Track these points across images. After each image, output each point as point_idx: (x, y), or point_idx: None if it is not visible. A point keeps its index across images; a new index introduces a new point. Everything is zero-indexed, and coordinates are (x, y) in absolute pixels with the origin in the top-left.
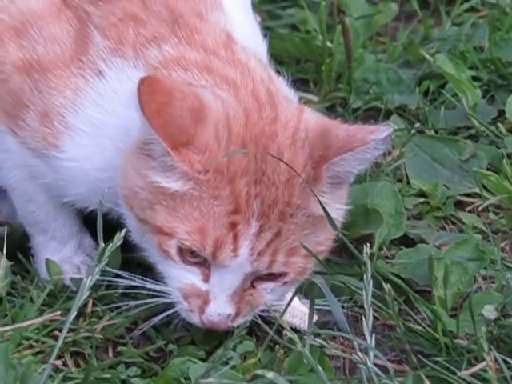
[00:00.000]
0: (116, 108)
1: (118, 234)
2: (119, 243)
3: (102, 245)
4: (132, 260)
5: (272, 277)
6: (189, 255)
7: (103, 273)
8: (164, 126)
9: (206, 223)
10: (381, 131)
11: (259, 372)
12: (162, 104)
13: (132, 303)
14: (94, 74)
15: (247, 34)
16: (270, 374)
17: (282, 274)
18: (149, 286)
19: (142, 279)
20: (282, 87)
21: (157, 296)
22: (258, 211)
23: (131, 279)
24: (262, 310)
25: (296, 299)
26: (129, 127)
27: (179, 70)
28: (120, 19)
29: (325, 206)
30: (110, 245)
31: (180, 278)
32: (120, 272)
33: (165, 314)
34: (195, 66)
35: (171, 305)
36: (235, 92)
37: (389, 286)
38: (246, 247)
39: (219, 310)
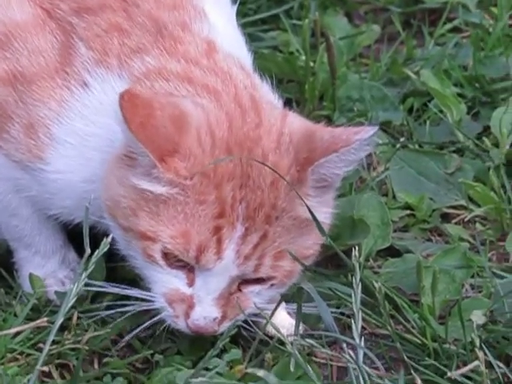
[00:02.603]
0: (101, 119)
1: (104, 240)
2: (106, 249)
3: (89, 251)
4: (116, 273)
5: (259, 280)
6: (173, 259)
7: (89, 283)
8: (150, 139)
9: (189, 227)
10: (365, 131)
11: (249, 371)
12: (146, 116)
13: (118, 311)
14: (79, 86)
15: (231, 43)
16: (261, 372)
17: (269, 278)
18: (133, 293)
19: (127, 288)
20: (266, 93)
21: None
22: (244, 215)
23: (116, 287)
24: (249, 314)
25: (283, 311)
26: (113, 138)
27: (161, 81)
28: (104, 30)
29: (311, 209)
30: (96, 252)
31: (165, 282)
32: (104, 283)
33: (150, 322)
34: (176, 77)
35: (156, 313)
36: (216, 99)
37: (379, 283)
38: (231, 250)
39: (205, 313)
